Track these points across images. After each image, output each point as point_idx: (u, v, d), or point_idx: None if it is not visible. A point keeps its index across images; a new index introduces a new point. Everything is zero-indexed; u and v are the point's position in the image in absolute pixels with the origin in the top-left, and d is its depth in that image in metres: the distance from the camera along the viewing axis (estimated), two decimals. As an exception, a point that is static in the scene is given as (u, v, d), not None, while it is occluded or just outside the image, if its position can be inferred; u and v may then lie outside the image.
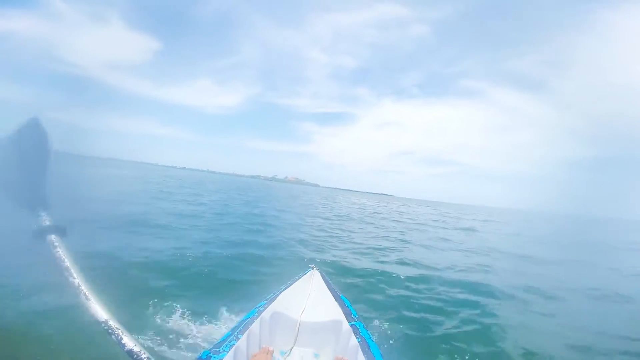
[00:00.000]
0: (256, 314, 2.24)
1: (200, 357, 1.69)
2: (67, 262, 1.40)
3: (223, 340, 1.87)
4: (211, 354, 1.69)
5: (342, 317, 2.32)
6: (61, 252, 1.42)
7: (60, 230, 1.50)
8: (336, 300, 2.56)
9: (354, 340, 2.03)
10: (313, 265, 3.14)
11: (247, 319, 2.18)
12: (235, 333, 1.96)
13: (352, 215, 18.51)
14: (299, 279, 2.93)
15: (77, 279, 1.37)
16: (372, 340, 2.07)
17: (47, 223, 1.49)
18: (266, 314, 2.30)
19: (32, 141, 1.58)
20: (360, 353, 1.89)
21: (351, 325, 2.19)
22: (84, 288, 1.37)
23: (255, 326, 2.11)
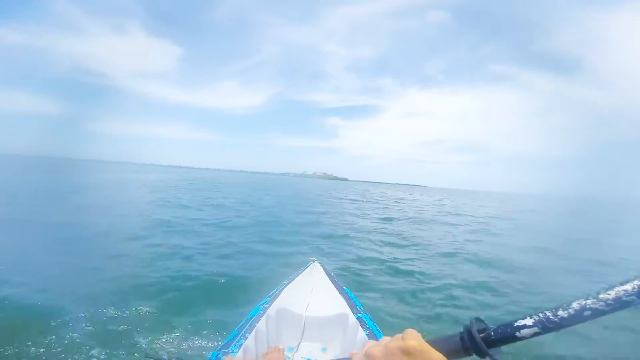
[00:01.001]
0: (261, 311, 2.21)
1: (209, 358, 1.66)
2: None
3: (231, 339, 1.86)
4: (220, 355, 1.67)
5: (348, 310, 2.30)
6: None
7: None
8: (340, 293, 2.53)
9: (361, 333, 2.01)
10: (314, 259, 3.06)
11: (252, 316, 2.16)
12: (243, 332, 1.94)
13: (431, 217, 15.24)
14: (300, 273, 2.88)
15: None
16: (380, 332, 2.03)
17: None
18: (271, 310, 2.27)
19: None
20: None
21: (357, 318, 2.16)
22: None
23: (261, 324, 2.09)
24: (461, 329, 0.48)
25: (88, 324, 2.98)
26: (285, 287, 2.62)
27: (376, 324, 2.18)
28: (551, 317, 0.43)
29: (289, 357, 2.10)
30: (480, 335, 0.47)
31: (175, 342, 2.87)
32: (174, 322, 3.14)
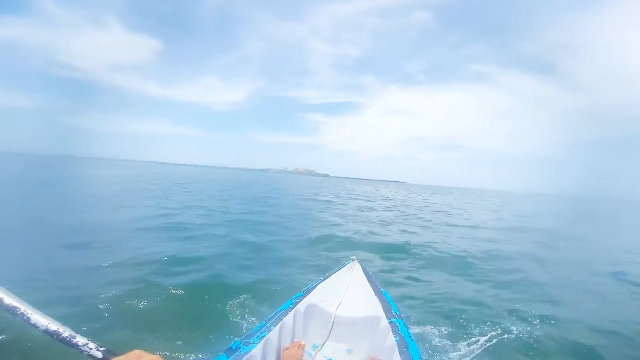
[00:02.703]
0: (291, 306, 2.18)
1: (230, 347, 1.66)
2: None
3: (255, 331, 1.83)
4: (241, 345, 1.66)
5: (381, 313, 2.19)
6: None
7: None
8: (376, 294, 2.42)
9: (391, 339, 1.90)
10: (354, 257, 2.97)
11: (281, 310, 2.12)
12: (268, 324, 1.90)
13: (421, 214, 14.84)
14: (337, 270, 2.81)
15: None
16: (412, 340, 1.92)
17: None
18: (301, 306, 2.23)
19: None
20: (397, 352, 1.75)
21: (390, 322, 2.05)
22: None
23: (288, 318, 2.05)
24: None
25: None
26: (319, 283, 2.56)
27: (410, 330, 2.09)
28: None
29: (310, 355, 2.06)
30: None
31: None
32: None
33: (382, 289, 2.53)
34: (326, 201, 18.13)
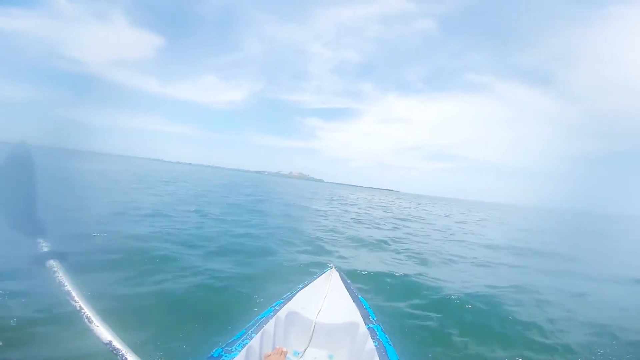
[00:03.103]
0: (272, 313, 2.22)
1: (212, 354, 1.68)
2: (68, 286, 1.39)
3: (236, 338, 1.85)
4: (223, 352, 1.68)
5: (360, 319, 2.26)
6: (61, 277, 1.42)
7: (60, 255, 1.50)
8: (354, 301, 2.50)
9: (370, 344, 1.96)
10: (332, 265, 3.04)
11: (262, 317, 2.15)
12: (249, 332, 1.94)
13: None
14: (316, 278, 2.86)
15: (78, 302, 1.35)
16: (390, 345, 1.98)
17: (45, 249, 1.50)
18: (282, 313, 2.27)
19: (21, 168, 1.59)
20: (377, 357, 1.82)
21: (368, 328, 2.12)
22: (87, 311, 1.34)
23: (269, 325, 2.09)
24: None
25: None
26: (299, 290, 2.62)
27: (388, 335, 2.13)
28: None
29: None
30: None
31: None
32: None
33: (359, 296, 2.61)
34: (317, 210, 15.92)
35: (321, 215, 13.44)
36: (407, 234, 10.65)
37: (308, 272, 3.99)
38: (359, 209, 19.61)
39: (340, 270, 3.01)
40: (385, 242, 8.37)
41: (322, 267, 3.08)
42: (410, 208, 27.40)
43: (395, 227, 12.08)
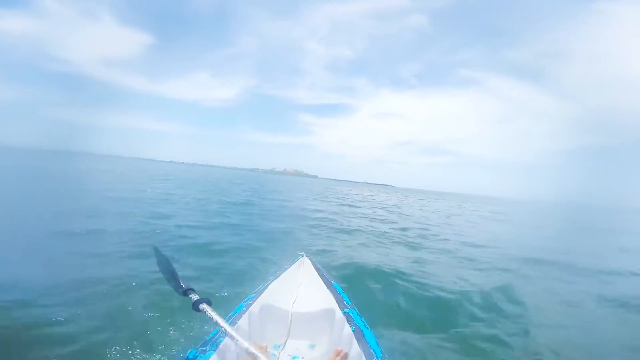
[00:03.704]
0: (244, 308, 2.13)
1: (187, 356, 1.61)
2: (222, 323, 1.55)
3: (210, 338, 1.80)
4: (198, 354, 1.63)
5: (335, 305, 2.22)
6: (214, 315, 1.59)
7: (207, 300, 1.71)
8: (328, 288, 2.45)
9: (347, 329, 1.95)
10: (303, 253, 2.96)
11: (234, 314, 2.07)
12: (222, 330, 1.76)
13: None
14: (288, 268, 2.78)
15: (235, 337, 1.46)
16: (367, 328, 1.99)
17: (196, 297, 1.69)
18: (255, 307, 2.18)
19: (162, 257, 2.03)
20: (355, 342, 1.82)
21: (344, 313, 2.11)
22: (247, 345, 1.44)
23: (243, 321, 2.02)
24: None
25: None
26: (271, 282, 2.52)
27: (364, 319, 2.13)
28: None
29: (274, 355, 2.05)
30: None
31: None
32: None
33: (332, 282, 2.57)
34: (315, 211, 13.64)
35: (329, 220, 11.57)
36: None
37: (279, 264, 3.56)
38: (371, 210, 16.88)
39: (311, 257, 2.92)
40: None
41: (293, 257, 2.95)
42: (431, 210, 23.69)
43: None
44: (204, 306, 1.61)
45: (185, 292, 1.70)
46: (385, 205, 21.28)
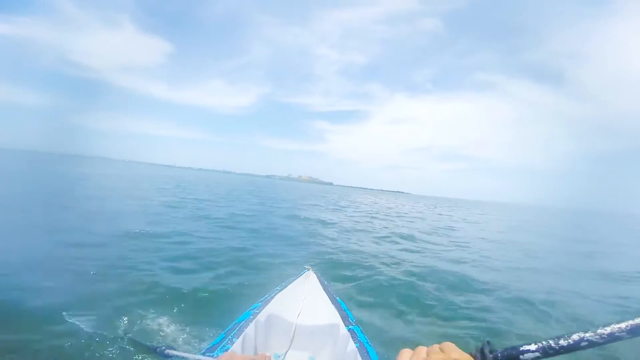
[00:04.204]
0: (251, 317, 2.16)
1: None
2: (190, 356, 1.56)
3: (216, 343, 1.84)
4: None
5: (339, 321, 2.24)
6: (181, 354, 1.64)
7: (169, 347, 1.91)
8: (332, 303, 2.47)
9: (352, 345, 1.98)
10: (309, 267, 2.96)
11: (241, 321, 2.10)
12: (230, 336, 1.90)
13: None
14: (294, 280, 2.79)
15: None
16: (371, 346, 2.00)
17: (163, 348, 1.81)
18: (261, 316, 2.22)
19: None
20: (359, 358, 1.83)
21: (349, 330, 2.12)
22: None
23: (250, 329, 2.05)
24: (472, 349, 0.61)
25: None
26: (277, 293, 2.56)
27: (367, 337, 2.14)
28: (552, 344, 0.57)
29: None
30: (490, 354, 0.59)
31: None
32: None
33: (337, 297, 2.59)
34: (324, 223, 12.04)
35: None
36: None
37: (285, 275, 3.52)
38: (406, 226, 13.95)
39: (316, 271, 2.94)
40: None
41: (300, 269, 2.99)
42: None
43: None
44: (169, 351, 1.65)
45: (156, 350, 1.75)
46: (438, 218, 19.49)
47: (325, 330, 2.23)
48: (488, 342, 0.61)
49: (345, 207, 22.94)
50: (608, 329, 0.53)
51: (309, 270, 2.90)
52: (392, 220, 15.98)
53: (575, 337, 0.55)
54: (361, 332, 2.12)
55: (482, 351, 0.59)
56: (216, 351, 1.71)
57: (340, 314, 2.29)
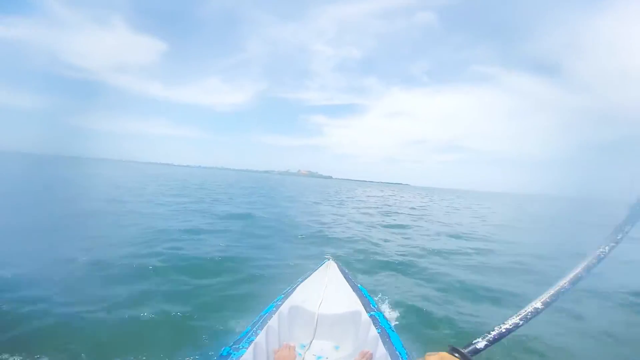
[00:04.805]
0: (274, 309, 2.23)
1: (221, 353, 1.70)
2: None
3: (242, 336, 1.89)
4: (232, 351, 1.72)
5: (361, 308, 2.28)
6: None
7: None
8: (354, 290, 2.52)
9: (373, 331, 2.00)
10: (329, 256, 3.05)
11: (265, 313, 2.17)
12: (255, 329, 1.96)
13: None
14: (315, 271, 2.86)
15: None
16: (393, 331, 2.03)
17: None
18: (284, 308, 2.28)
19: None
20: (381, 344, 1.87)
21: (370, 316, 2.16)
22: None
23: (273, 321, 2.10)
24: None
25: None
26: (299, 284, 2.63)
27: (389, 321, 2.21)
28: (502, 330, 0.74)
29: (300, 354, 2.09)
30: (465, 351, 0.73)
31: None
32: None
33: (358, 285, 2.64)
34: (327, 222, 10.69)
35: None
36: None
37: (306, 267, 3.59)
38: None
39: (337, 261, 2.99)
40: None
41: (320, 260, 3.04)
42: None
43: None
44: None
45: None
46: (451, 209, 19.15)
47: (347, 318, 2.30)
48: (453, 346, 0.73)
49: (375, 205, 20.29)
50: (552, 291, 0.72)
51: (329, 259, 2.99)
52: (430, 217, 15.14)
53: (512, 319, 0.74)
54: (383, 317, 2.18)
55: (459, 352, 0.72)
56: (242, 343, 1.79)
57: (361, 301, 2.34)
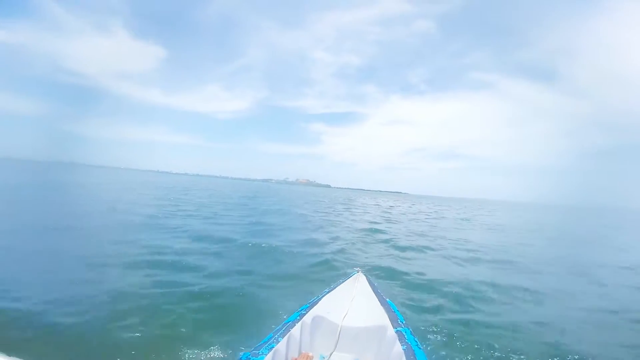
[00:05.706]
0: (298, 317, 2.20)
1: (240, 358, 1.68)
2: None
3: (263, 342, 1.86)
4: (250, 356, 1.70)
5: (387, 322, 2.21)
6: None
7: None
8: (382, 304, 2.44)
9: (398, 347, 1.93)
10: (358, 269, 2.99)
11: (288, 322, 2.14)
12: (276, 336, 1.93)
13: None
14: (342, 282, 2.79)
15: None
16: (420, 349, 1.94)
17: None
18: (307, 317, 2.24)
19: None
20: None
21: (397, 332, 2.08)
22: None
23: (295, 330, 2.07)
24: None
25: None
26: (325, 295, 2.56)
27: (417, 338, 2.10)
28: None
29: None
30: None
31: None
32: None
33: (387, 299, 2.56)
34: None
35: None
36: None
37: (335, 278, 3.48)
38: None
39: (366, 274, 2.93)
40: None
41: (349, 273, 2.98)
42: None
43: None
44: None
45: None
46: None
47: (371, 332, 2.22)
48: None
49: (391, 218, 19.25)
50: None
51: (358, 271, 2.92)
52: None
53: None
54: (411, 334, 2.09)
55: None
56: (262, 349, 1.76)
57: (389, 316, 2.27)
